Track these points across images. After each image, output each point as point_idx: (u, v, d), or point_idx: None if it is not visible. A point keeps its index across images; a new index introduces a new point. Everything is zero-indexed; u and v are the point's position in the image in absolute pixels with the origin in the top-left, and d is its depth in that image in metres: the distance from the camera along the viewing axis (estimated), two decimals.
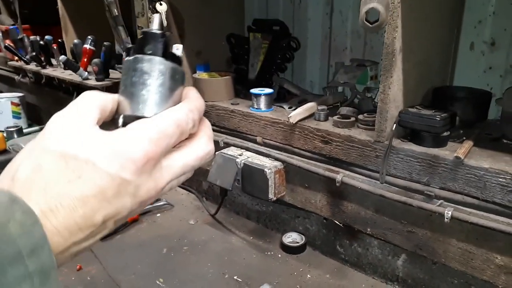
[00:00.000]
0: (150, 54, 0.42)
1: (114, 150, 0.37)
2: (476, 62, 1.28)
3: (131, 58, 0.42)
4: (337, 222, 1.29)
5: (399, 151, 1.09)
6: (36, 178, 0.35)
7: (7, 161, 0.37)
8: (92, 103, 0.40)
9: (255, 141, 1.46)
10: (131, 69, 0.42)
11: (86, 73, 1.96)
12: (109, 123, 0.42)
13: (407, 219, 1.11)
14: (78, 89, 2.10)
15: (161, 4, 1.49)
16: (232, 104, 1.55)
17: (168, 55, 0.43)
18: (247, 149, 1.46)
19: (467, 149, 1.02)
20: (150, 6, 1.49)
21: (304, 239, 1.41)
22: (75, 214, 0.35)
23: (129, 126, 0.39)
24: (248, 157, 1.40)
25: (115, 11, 1.64)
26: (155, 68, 0.42)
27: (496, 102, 1.16)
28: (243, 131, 1.49)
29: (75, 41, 2.11)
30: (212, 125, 1.62)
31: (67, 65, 1.96)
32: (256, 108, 1.46)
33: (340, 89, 1.53)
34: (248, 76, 1.75)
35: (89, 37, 2.02)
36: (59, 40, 2.30)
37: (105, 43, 1.93)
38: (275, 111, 1.45)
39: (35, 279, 0.31)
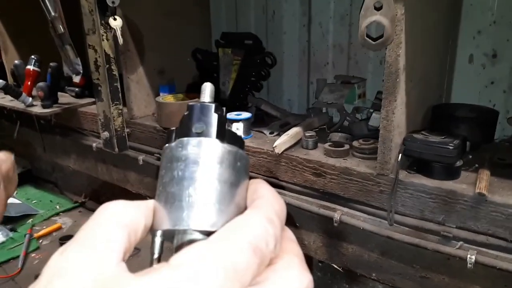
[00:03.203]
0: (199, 135, 0.29)
1: None
2: (476, 76, 1.16)
3: (172, 144, 0.30)
4: (335, 266, 1.12)
5: (408, 185, 0.94)
6: None
7: None
8: (115, 227, 0.26)
9: None
10: (172, 159, 0.29)
11: (31, 98, 1.70)
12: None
13: (420, 263, 0.96)
14: (21, 117, 1.84)
15: (115, 19, 1.27)
16: None
17: (225, 134, 0.30)
18: None
19: (487, 181, 0.88)
20: (103, 22, 1.27)
21: None
22: None
23: (174, 259, 0.24)
24: None
25: (60, 28, 1.41)
26: (207, 154, 0.29)
27: (508, 121, 1.03)
28: None
29: (16, 61, 1.84)
30: None
31: (6, 91, 1.69)
32: None
33: (323, 109, 1.37)
34: (220, 96, 1.56)
35: (32, 56, 1.75)
36: None
37: (51, 64, 1.68)
38: (254, 138, 1.27)
39: None
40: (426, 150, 0.93)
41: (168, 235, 0.29)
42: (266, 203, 0.29)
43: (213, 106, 0.31)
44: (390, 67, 0.89)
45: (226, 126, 0.31)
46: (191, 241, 0.26)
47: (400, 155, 0.94)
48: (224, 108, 0.32)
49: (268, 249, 0.25)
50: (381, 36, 0.82)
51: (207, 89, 0.34)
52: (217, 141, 0.30)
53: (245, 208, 0.29)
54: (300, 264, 0.28)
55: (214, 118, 0.30)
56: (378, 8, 0.82)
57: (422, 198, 0.92)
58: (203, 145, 0.29)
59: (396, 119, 0.92)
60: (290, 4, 1.48)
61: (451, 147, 0.90)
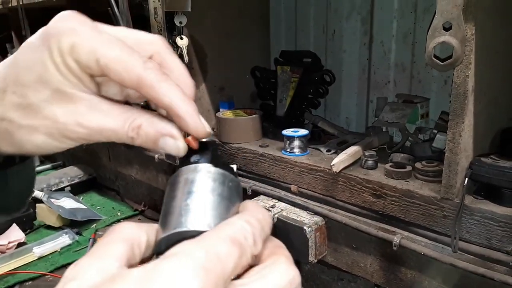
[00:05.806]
0: (196, 163, 0.35)
1: None
2: None
3: (174, 174, 0.35)
4: None
5: (474, 211, 0.89)
6: None
7: None
8: (117, 241, 0.31)
9: (289, 190, 1.28)
10: (173, 184, 0.34)
11: None
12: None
13: None
14: None
15: (181, 39, 1.35)
16: (261, 146, 1.38)
17: (218, 163, 0.35)
18: (280, 199, 1.28)
19: None
20: (170, 41, 1.34)
21: None
22: None
23: (167, 252, 0.28)
24: (282, 210, 1.21)
25: None
26: (202, 174, 0.34)
27: None
28: (275, 178, 1.31)
29: None
30: (239, 169, 1.48)
31: None
32: (289, 152, 1.28)
33: (383, 128, 1.35)
34: (276, 112, 1.59)
35: None
36: None
37: None
38: (311, 155, 1.27)
39: None
40: (495, 175, 0.89)
41: (166, 242, 0.32)
42: (248, 211, 0.33)
43: (204, 141, 0.36)
44: (458, 89, 0.86)
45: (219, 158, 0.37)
46: None
47: (467, 179, 0.91)
48: (216, 140, 0.38)
49: (246, 243, 0.29)
50: (450, 57, 0.80)
51: None
52: (210, 164, 0.35)
53: None
54: (286, 261, 0.31)
55: (207, 149, 0.36)
56: (447, 29, 0.80)
57: (490, 226, 0.88)
58: (198, 167, 0.34)
59: (463, 142, 0.89)
60: (351, 23, 1.48)
61: None
